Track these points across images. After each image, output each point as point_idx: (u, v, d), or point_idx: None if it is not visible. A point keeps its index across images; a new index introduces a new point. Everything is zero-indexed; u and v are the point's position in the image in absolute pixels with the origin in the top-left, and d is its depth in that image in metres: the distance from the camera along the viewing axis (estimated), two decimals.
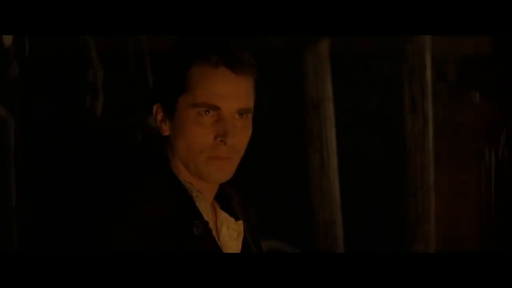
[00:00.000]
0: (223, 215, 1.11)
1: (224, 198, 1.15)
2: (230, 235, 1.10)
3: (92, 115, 2.37)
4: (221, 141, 1.03)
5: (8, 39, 2.13)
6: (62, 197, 2.24)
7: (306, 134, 2.52)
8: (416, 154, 2.56)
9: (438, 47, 2.59)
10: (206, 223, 1.04)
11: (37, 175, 2.29)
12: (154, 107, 1.10)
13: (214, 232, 1.07)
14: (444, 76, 2.64)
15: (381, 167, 2.61)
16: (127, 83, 2.44)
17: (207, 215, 1.06)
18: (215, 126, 1.03)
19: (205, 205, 1.07)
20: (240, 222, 1.12)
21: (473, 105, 2.68)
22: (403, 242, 2.57)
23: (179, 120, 1.05)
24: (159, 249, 0.98)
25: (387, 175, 2.60)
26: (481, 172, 2.72)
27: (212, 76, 1.04)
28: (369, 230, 2.54)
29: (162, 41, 1.88)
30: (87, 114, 2.40)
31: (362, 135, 2.60)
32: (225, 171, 1.06)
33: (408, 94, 2.56)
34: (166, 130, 1.08)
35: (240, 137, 1.06)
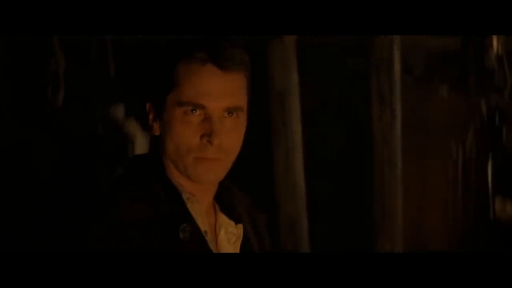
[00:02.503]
0: (222, 218, 1.08)
1: (226, 199, 1.11)
2: (229, 239, 1.07)
3: (53, 106, 2.32)
4: (207, 141, 0.99)
5: None
6: (27, 192, 2.20)
7: (271, 127, 2.47)
8: (383, 148, 2.53)
9: (406, 41, 2.57)
10: (194, 226, 1.00)
11: None
12: (147, 106, 1.07)
13: (210, 236, 1.04)
14: (412, 70, 2.62)
15: (348, 161, 2.58)
16: (89, 73, 2.39)
17: (201, 218, 1.03)
18: (201, 125, 1.00)
19: (198, 207, 1.03)
20: (240, 225, 1.08)
21: (441, 99, 2.67)
22: (370, 238, 2.55)
23: (167, 120, 1.02)
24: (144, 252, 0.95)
25: (353, 170, 2.57)
26: (448, 167, 2.72)
27: (198, 74, 1.00)
28: (335, 225, 2.52)
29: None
30: (49, 105, 2.35)
31: (328, 128, 2.57)
32: (214, 172, 1.02)
33: (376, 88, 2.53)
34: (156, 129, 1.05)
35: (230, 137, 1.01)
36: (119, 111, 2.43)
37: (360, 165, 2.56)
